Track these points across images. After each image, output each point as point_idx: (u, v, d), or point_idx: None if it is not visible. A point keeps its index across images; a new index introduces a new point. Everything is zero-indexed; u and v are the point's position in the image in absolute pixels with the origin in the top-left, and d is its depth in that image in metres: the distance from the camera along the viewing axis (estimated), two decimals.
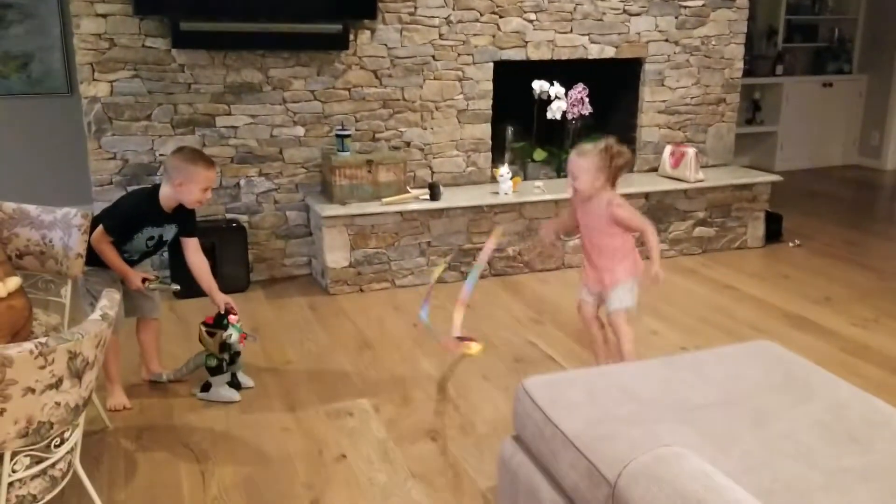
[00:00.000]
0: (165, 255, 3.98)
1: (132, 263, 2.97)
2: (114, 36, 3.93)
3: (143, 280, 2.93)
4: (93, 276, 2.91)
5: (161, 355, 3.25)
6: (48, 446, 1.86)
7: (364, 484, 2.51)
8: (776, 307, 4.06)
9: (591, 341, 3.19)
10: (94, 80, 3.95)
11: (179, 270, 3.16)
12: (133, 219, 2.90)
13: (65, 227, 2.73)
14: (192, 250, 3.05)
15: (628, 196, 4.68)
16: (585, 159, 2.88)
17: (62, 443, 1.91)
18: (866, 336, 3.69)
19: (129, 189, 4.06)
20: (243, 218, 4.34)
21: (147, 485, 2.50)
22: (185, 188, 2.86)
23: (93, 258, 2.85)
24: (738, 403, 2.00)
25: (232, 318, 2.99)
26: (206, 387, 3.06)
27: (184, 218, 3.01)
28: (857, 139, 7.89)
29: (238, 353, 3.07)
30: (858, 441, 1.84)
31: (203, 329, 2.99)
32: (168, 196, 2.91)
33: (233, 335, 2.98)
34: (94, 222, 2.83)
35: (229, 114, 4.22)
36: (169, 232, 3.00)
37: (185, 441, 2.76)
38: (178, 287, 3.06)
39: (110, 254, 2.86)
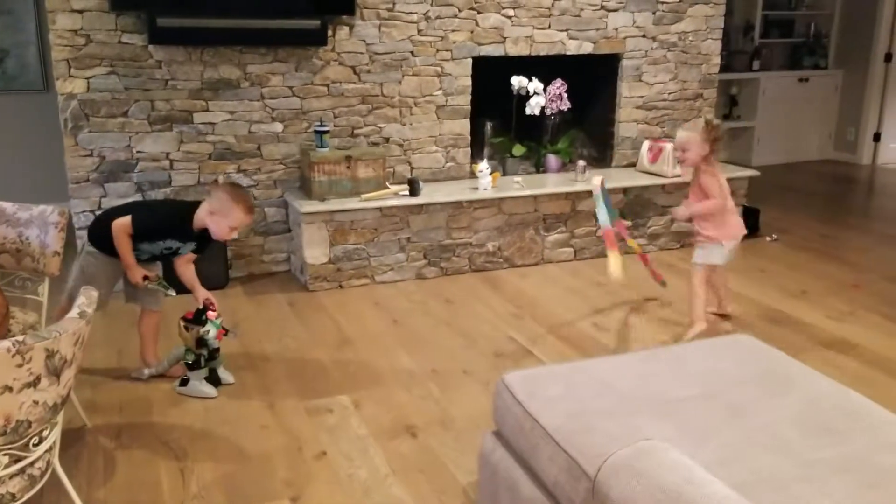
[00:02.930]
0: None
1: (138, 261, 3.01)
2: (90, 32, 3.89)
3: (144, 277, 2.98)
4: (94, 257, 3.01)
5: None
6: (26, 445, 1.84)
7: (344, 480, 2.51)
8: (753, 301, 4.10)
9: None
10: (70, 76, 3.90)
11: (172, 270, 3.17)
12: (163, 229, 3.00)
13: (41, 225, 2.71)
14: (186, 260, 3.14)
15: (609, 191, 4.72)
16: (689, 132, 3.52)
17: (41, 441, 1.89)
18: (842, 329, 3.74)
19: (106, 185, 4.05)
20: None
21: (126, 483, 2.49)
22: (216, 220, 2.95)
23: (99, 240, 2.97)
24: (715, 396, 2.03)
25: (210, 314, 3.00)
26: (184, 382, 3.06)
27: (204, 241, 3.09)
28: (833, 134, 7.98)
29: (217, 350, 3.06)
30: (834, 433, 1.87)
31: (181, 324, 2.99)
32: (201, 218, 2.99)
33: (210, 331, 2.99)
34: (126, 210, 2.97)
35: (207, 110, 4.19)
36: (187, 248, 3.08)
37: (164, 439, 2.75)
38: (174, 293, 3.07)
39: (125, 244, 2.93)
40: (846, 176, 7.36)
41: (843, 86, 7.84)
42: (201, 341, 2.99)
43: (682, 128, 3.63)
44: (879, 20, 7.41)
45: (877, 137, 7.73)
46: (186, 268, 3.13)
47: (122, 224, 2.91)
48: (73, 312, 1.88)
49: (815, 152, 7.99)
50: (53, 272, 2.73)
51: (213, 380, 3.08)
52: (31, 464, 1.89)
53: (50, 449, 1.96)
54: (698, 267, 3.60)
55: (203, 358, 3.03)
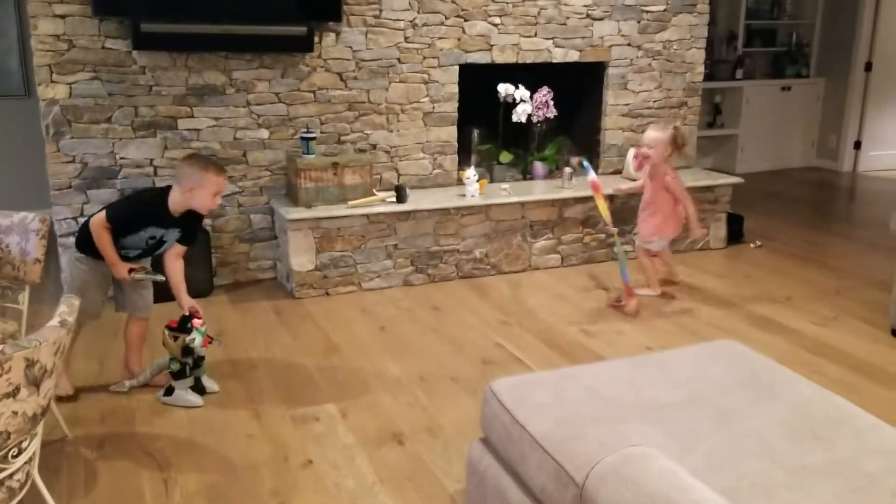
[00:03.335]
0: None
1: (127, 259, 2.98)
2: (72, 37, 3.86)
3: (130, 270, 2.93)
4: (82, 263, 2.97)
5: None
6: (5, 456, 1.81)
7: (331, 489, 2.49)
8: (739, 307, 4.11)
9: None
10: (52, 81, 3.87)
11: (157, 267, 3.14)
12: (139, 217, 2.94)
13: (22, 232, 2.68)
14: (175, 254, 3.07)
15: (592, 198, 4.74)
16: (659, 133, 4.00)
17: (20, 453, 1.86)
18: (827, 334, 3.76)
19: (88, 192, 4.01)
20: (206, 221, 4.28)
21: (108, 494, 2.45)
22: (196, 193, 2.91)
23: (84, 245, 2.93)
24: (703, 402, 2.03)
25: (196, 321, 2.97)
26: (169, 391, 3.03)
27: (190, 225, 3.05)
28: (815, 141, 8.05)
29: (202, 358, 3.04)
30: (821, 438, 1.87)
31: (167, 333, 2.96)
32: (177, 201, 2.94)
33: (196, 339, 2.95)
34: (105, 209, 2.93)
35: (192, 116, 4.16)
36: (172, 235, 3.02)
37: (147, 449, 2.71)
38: (164, 278, 3.03)
39: (105, 240, 2.88)
40: (828, 183, 7.42)
41: (824, 94, 7.91)
42: (187, 349, 2.96)
43: (652, 128, 4.09)
44: (860, 30, 7.48)
45: (857, 145, 7.80)
46: (175, 264, 3.06)
47: (97, 219, 2.88)
48: (54, 321, 1.85)
49: (797, 160, 8.05)
50: (34, 280, 2.70)
51: (198, 388, 3.05)
52: (10, 476, 1.86)
53: (30, 460, 1.93)
54: (643, 249, 4.25)
55: (188, 367, 3.00)
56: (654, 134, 4.04)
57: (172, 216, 2.96)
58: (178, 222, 2.99)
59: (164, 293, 3.10)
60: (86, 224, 2.98)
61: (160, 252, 3.07)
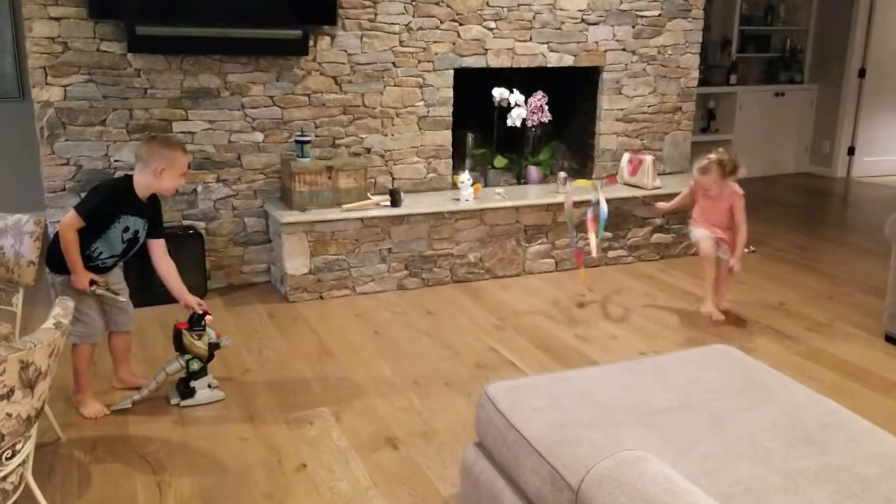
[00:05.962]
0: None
1: (106, 269, 2.93)
2: (67, 40, 3.85)
3: (92, 283, 2.84)
4: (65, 285, 2.84)
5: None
6: None
7: (325, 493, 2.48)
8: (732, 312, 4.12)
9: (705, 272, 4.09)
10: (46, 84, 3.86)
11: (131, 281, 3.11)
12: (110, 203, 2.85)
13: (16, 235, 2.67)
14: (160, 253, 3.03)
15: (589, 202, 4.75)
16: (705, 177, 3.89)
17: (13, 455, 1.85)
18: (820, 340, 3.77)
19: (82, 194, 3.99)
20: (200, 224, 4.28)
21: (101, 497, 2.44)
22: (168, 175, 2.88)
23: (61, 263, 2.81)
24: (697, 407, 2.03)
25: (208, 318, 2.98)
26: (187, 393, 3.00)
27: (155, 212, 3.00)
28: (809, 147, 8.08)
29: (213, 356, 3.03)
30: (814, 443, 1.88)
31: (188, 334, 2.93)
32: (144, 184, 2.90)
33: (212, 335, 2.98)
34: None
35: (186, 119, 4.16)
36: (142, 226, 2.95)
37: (140, 452, 2.71)
38: (124, 299, 3.00)
39: (73, 242, 2.75)
40: (822, 189, 7.45)
41: (818, 100, 7.94)
42: (215, 346, 2.98)
43: (696, 168, 3.94)
44: (853, 36, 7.52)
45: (851, 151, 7.83)
46: (165, 264, 3.01)
47: (67, 221, 2.76)
48: (48, 323, 1.85)
49: (791, 165, 8.08)
50: (28, 282, 2.69)
51: (189, 391, 3.02)
52: (4, 478, 1.85)
53: (23, 463, 1.93)
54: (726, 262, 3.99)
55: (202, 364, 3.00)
56: (702, 177, 3.89)
57: (141, 202, 2.91)
58: (145, 210, 2.93)
59: (157, 297, 3.06)
60: (52, 242, 2.85)
61: (132, 253, 2.99)
